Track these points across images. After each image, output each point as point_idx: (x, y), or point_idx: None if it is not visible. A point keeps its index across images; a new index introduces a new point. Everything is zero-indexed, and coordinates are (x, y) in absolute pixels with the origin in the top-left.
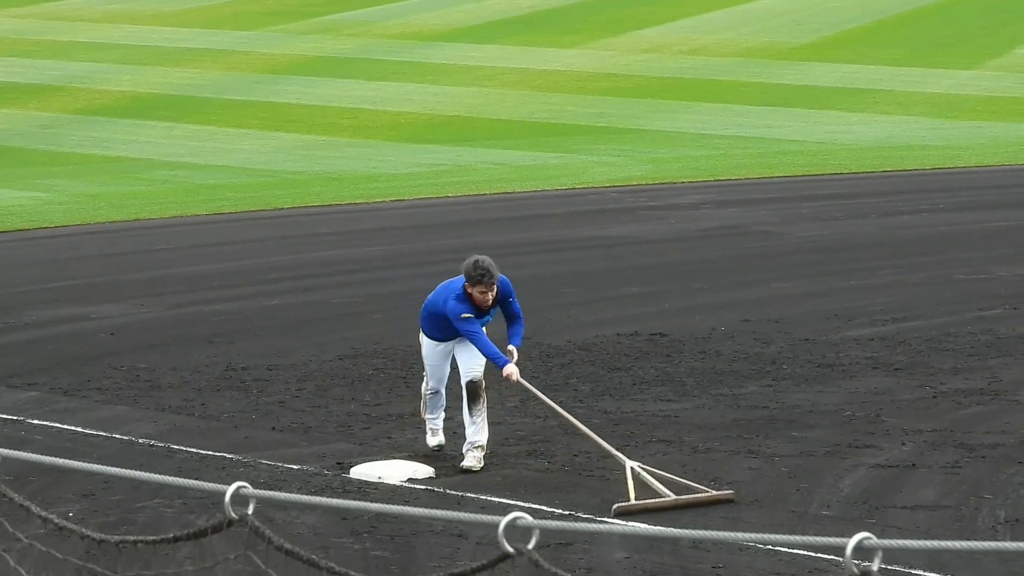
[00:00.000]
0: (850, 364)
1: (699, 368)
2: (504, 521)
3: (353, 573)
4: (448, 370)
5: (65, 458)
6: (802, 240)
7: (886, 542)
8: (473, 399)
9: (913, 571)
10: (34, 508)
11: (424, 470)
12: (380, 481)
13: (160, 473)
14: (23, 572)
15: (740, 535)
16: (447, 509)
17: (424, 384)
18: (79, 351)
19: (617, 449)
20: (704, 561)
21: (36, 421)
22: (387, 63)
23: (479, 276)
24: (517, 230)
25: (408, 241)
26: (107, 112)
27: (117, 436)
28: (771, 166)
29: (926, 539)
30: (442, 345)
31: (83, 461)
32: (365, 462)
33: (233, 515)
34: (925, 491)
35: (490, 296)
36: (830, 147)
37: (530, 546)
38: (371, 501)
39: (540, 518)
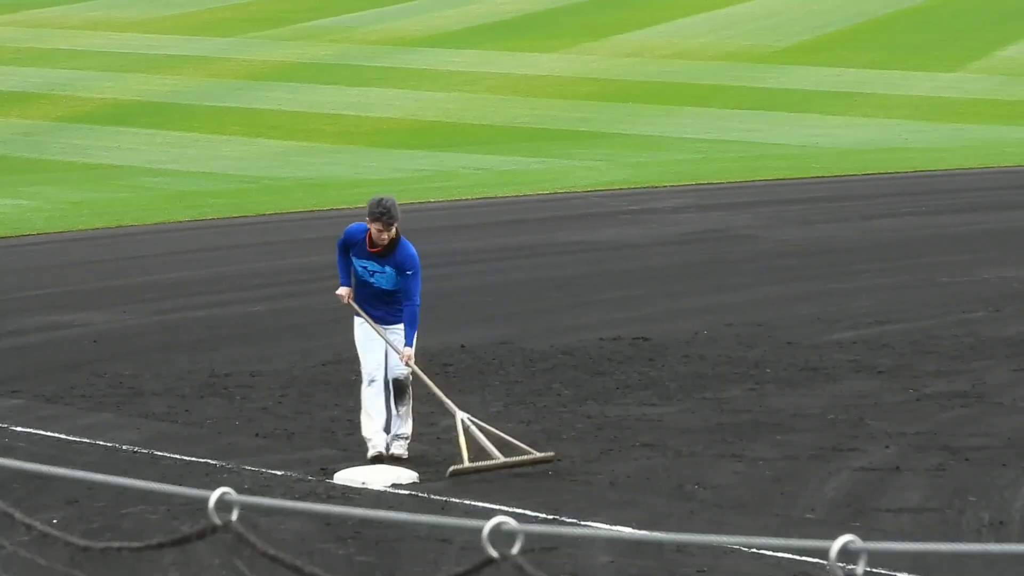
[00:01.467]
0: (833, 367)
1: (682, 372)
2: (488, 526)
3: None
4: (382, 355)
5: (49, 465)
6: (784, 243)
7: (871, 545)
8: (400, 395)
9: (898, 574)
10: (18, 515)
11: (408, 475)
12: (364, 486)
13: (144, 480)
14: None
15: (725, 538)
16: (431, 514)
17: (363, 384)
18: (62, 358)
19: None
20: (689, 565)
21: (19, 428)
22: (368, 69)
23: (379, 214)
24: (499, 235)
25: None
26: (89, 119)
27: (101, 443)
28: (753, 169)
29: (911, 542)
30: (361, 320)
31: (67, 468)
32: (349, 468)
33: (217, 521)
34: (909, 494)
35: (386, 236)
36: (812, 150)
37: (514, 551)
38: (355, 506)
39: (524, 522)
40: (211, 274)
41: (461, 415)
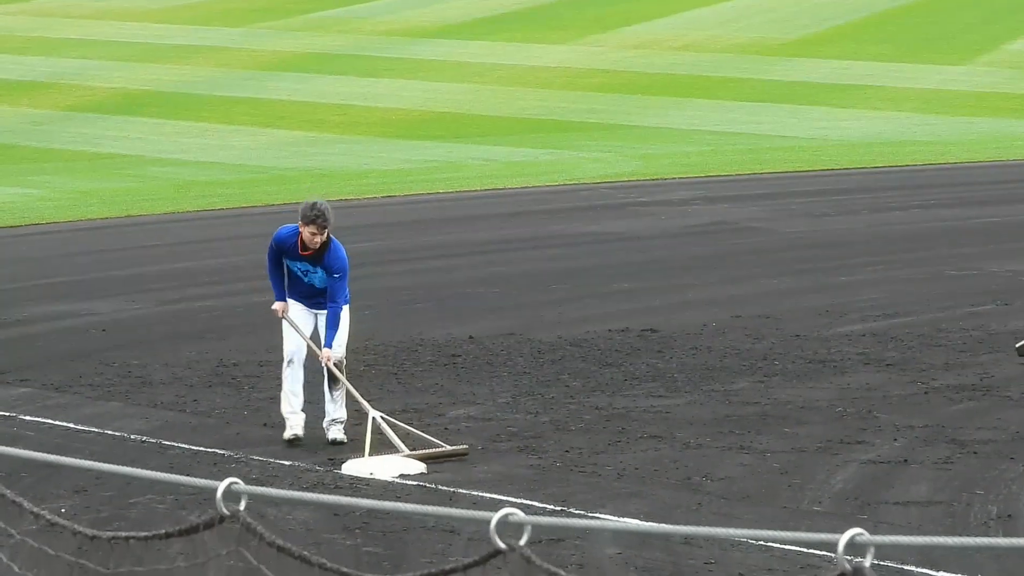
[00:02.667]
0: (841, 360)
1: (690, 364)
2: (496, 517)
3: (345, 569)
4: (303, 339)
5: (57, 454)
6: (792, 236)
7: (878, 538)
8: (333, 379)
9: (905, 567)
10: (26, 504)
11: (416, 466)
12: (372, 477)
13: (152, 469)
14: (15, 568)
15: (732, 531)
16: (439, 505)
17: (283, 364)
18: (70, 347)
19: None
20: (696, 557)
21: (28, 417)
22: (377, 59)
23: (313, 217)
24: (507, 226)
25: (398, 237)
26: (98, 109)
27: (109, 432)
28: (761, 162)
29: (918, 535)
30: (299, 307)
31: (75, 457)
32: (357, 458)
33: (225, 511)
34: (917, 487)
35: (319, 239)
36: (820, 143)
37: (522, 542)
38: (363, 497)
39: (532, 514)
40: (219, 264)
41: (374, 413)
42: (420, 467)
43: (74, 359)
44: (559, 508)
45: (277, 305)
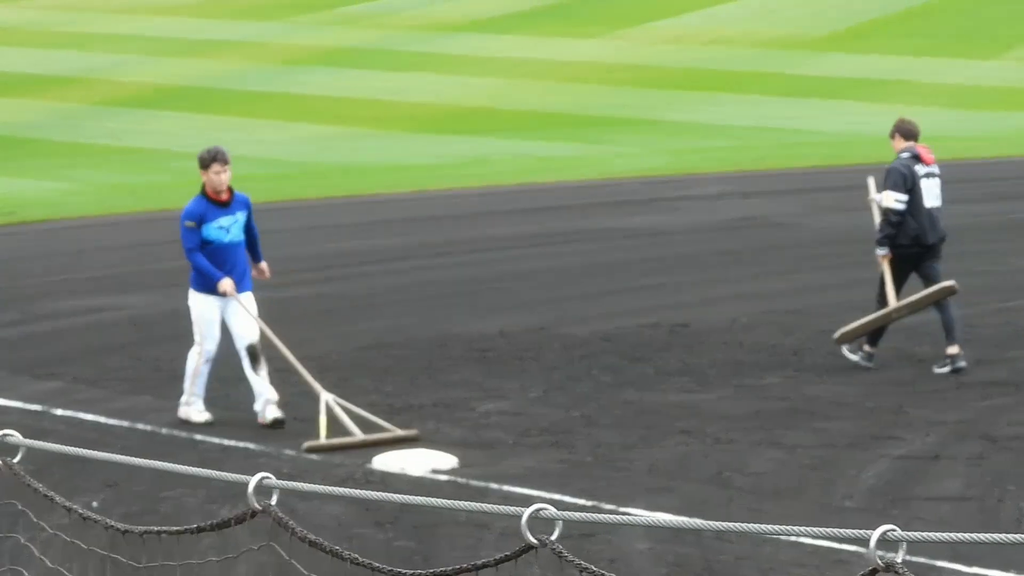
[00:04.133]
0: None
1: (721, 359)
2: (527, 512)
3: (376, 564)
4: (220, 333)
5: (88, 448)
6: (823, 231)
7: (910, 534)
8: (255, 360)
9: (937, 563)
10: (58, 498)
11: (447, 460)
12: (403, 472)
13: (183, 463)
14: (47, 562)
15: (763, 526)
16: (470, 500)
17: (197, 355)
18: (101, 341)
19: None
20: (727, 552)
21: (59, 411)
22: (407, 54)
23: (214, 154)
24: (537, 221)
25: (428, 232)
26: (128, 103)
27: (140, 426)
28: (792, 157)
29: (950, 531)
30: (213, 298)
31: (106, 451)
32: (388, 452)
33: (256, 506)
34: (949, 482)
35: (224, 176)
36: (851, 138)
37: (553, 537)
38: (394, 492)
39: (563, 509)
40: None
41: (326, 396)
42: (452, 461)
43: (105, 353)
44: (590, 503)
45: (226, 283)
